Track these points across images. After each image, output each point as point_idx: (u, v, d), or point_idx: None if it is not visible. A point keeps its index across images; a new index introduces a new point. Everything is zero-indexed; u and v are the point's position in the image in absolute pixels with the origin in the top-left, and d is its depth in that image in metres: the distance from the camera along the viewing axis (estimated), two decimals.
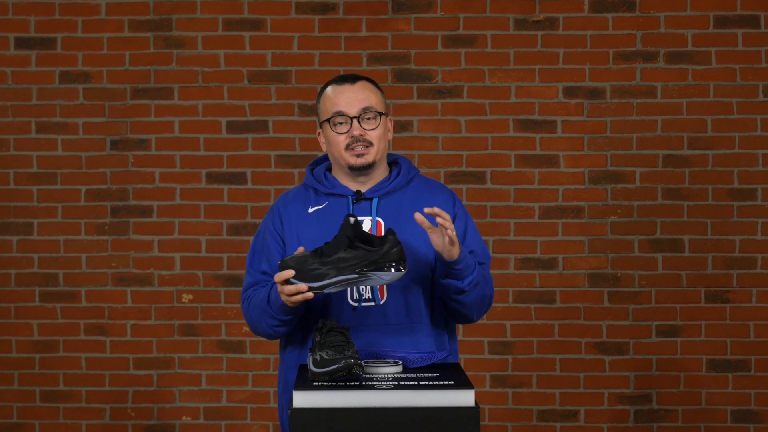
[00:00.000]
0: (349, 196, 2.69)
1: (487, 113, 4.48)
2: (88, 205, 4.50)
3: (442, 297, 2.66)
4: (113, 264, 4.50)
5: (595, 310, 4.47)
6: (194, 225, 4.50)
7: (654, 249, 4.45)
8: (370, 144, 2.66)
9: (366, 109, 2.66)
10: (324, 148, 2.75)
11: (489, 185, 4.47)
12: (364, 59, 4.48)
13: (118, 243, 4.50)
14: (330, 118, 2.67)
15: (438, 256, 2.57)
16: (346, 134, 2.66)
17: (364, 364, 2.39)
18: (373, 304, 2.64)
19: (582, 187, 4.47)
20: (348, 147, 2.66)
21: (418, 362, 2.51)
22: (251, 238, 4.47)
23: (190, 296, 4.50)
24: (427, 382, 2.31)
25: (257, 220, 4.48)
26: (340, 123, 2.67)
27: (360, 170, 2.68)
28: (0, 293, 4.50)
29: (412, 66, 4.47)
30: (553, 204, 4.47)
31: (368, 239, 2.42)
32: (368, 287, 2.63)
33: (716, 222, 4.44)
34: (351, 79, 2.70)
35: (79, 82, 4.50)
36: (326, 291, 2.44)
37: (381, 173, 2.74)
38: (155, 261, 4.50)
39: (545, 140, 4.47)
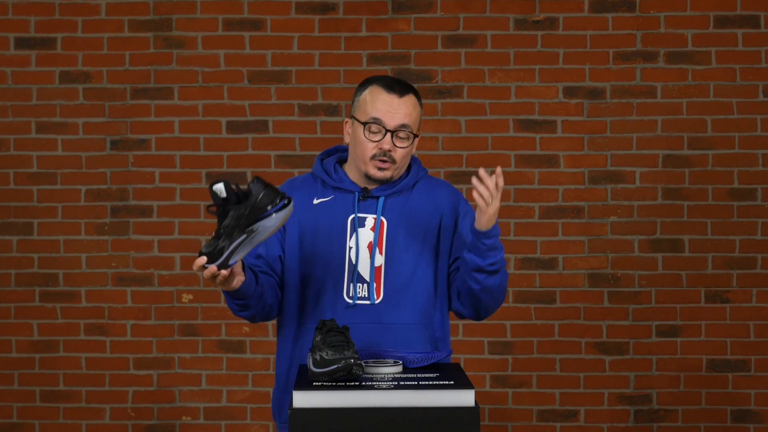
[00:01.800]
0: (356, 193, 2.68)
1: (487, 113, 4.48)
2: (88, 205, 4.50)
3: (464, 277, 2.61)
4: (113, 264, 4.50)
5: (595, 310, 4.47)
6: (194, 225, 4.50)
7: (654, 249, 4.45)
8: (393, 161, 2.64)
9: (403, 126, 2.63)
10: (347, 138, 2.72)
11: None
12: (364, 59, 4.48)
13: (118, 243, 4.50)
14: (366, 123, 2.63)
15: (471, 227, 2.55)
16: (377, 144, 2.63)
17: (364, 364, 2.39)
18: (368, 302, 2.64)
19: (582, 187, 4.47)
20: (374, 157, 2.64)
21: (418, 362, 2.51)
22: None
23: (190, 296, 4.50)
24: (427, 382, 2.30)
25: None
26: (375, 132, 2.64)
27: (373, 182, 2.68)
28: (0, 293, 4.50)
29: (412, 66, 4.47)
30: (553, 204, 4.47)
31: (242, 193, 2.40)
32: (364, 285, 2.63)
33: (716, 222, 4.44)
34: (400, 89, 2.65)
35: (79, 82, 4.50)
36: (232, 261, 2.41)
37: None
38: (155, 261, 4.50)
39: (545, 140, 4.47)
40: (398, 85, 2.66)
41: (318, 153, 4.45)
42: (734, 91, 4.44)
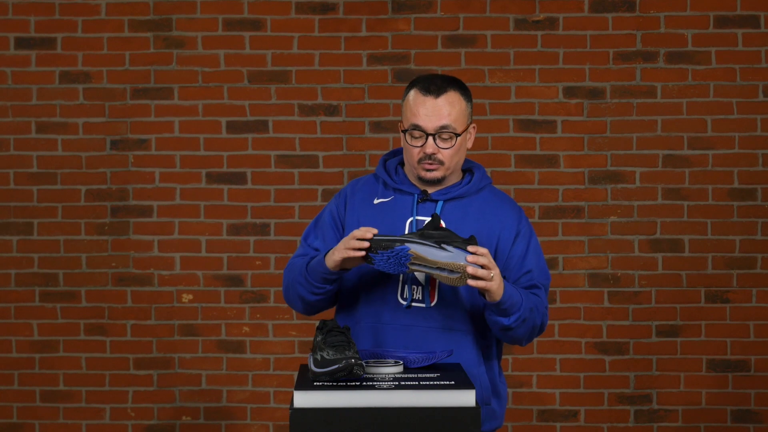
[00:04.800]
0: (415, 195, 2.68)
1: (487, 113, 4.48)
2: (88, 205, 4.50)
3: (494, 332, 2.65)
4: (113, 264, 4.50)
5: (595, 310, 4.47)
6: (194, 225, 4.50)
7: (654, 249, 4.45)
8: (441, 163, 2.63)
9: (443, 128, 2.62)
10: (402, 142, 2.72)
11: None
12: (364, 59, 4.48)
13: (118, 243, 4.50)
14: (407, 130, 2.64)
15: (486, 302, 2.56)
16: (420, 149, 2.63)
17: (364, 364, 2.39)
18: (423, 305, 2.63)
19: (582, 187, 4.48)
20: (420, 161, 2.64)
21: (419, 362, 2.51)
22: (251, 238, 4.47)
23: (190, 296, 4.50)
24: (427, 382, 2.31)
25: (257, 220, 4.48)
26: (417, 137, 2.63)
27: (428, 183, 2.67)
28: (0, 293, 4.50)
29: (412, 66, 4.47)
30: (553, 204, 4.47)
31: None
32: (419, 287, 2.62)
33: (716, 222, 4.44)
34: (436, 89, 2.63)
35: (79, 82, 4.50)
36: (405, 245, 2.43)
37: (452, 179, 2.72)
38: (155, 261, 4.50)
39: (545, 140, 4.48)
40: (435, 85, 2.64)
41: (318, 153, 4.47)
42: (734, 91, 4.44)
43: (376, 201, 2.71)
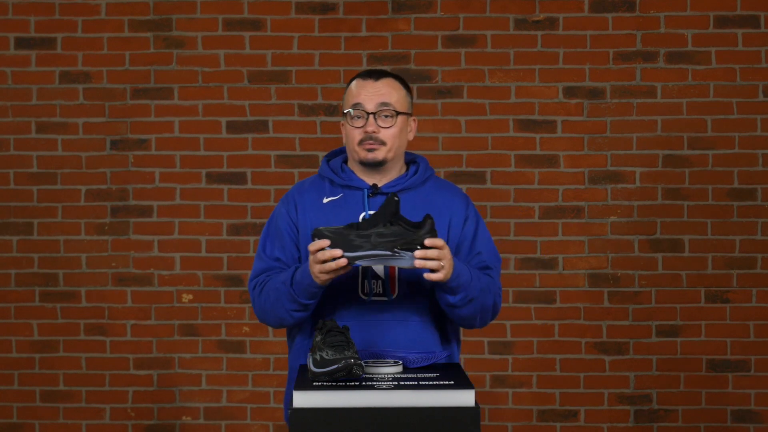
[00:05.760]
0: (365, 190, 2.69)
1: (487, 113, 4.48)
2: (88, 205, 4.50)
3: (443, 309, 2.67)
4: (113, 264, 4.50)
5: (595, 310, 4.47)
6: (194, 225, 4.50)
7: (654, 249, 4.45)
8: (382, 143, 2.66)
9: (383, 105, 2.66)
10: (344, 140, 2.75)
11: (489, 185, 4.47)
12: (364, 59, 4.48)
13: (118, 243, 4.50)
14: (348, 111, 2.67)
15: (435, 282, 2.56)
16: (361, 129, 2.66)
17: (364, 364, 2.39)
18: (385, 299, 2.64)
19: (582, 187, 4.48)
20: (361, 142, 2.66)
21: (419, 362, 2.51)
22: (251, 238, 4.47)
23: (190, 296, 4.50)
24: (427, 382, 2.31)
25: (257, 220, 4.48)
26: (357, 117, 2.67)
27: (370, 166, 2.69)
28: (0, 293, 4.50)
29: (412, 66, 4.47)
30: (553, 204, 4.47)
31: (406, 221, 2.46)
32: (378, 282, 2.63)
33: (716, 222, 4.44)
34: (375, 75, 2.70)
35: (79, 82, 4.50)
36: (357, 263, 2.43)
37: (397, 170, 2.74)
38: (155, 261, 4.50)
39: (545, 140, 4.47)
40: (375, 71, 2.72)
41: (318, 153, 4.47)
42: (734, 91, 4.44)
43: (325, 200, 2.71)
